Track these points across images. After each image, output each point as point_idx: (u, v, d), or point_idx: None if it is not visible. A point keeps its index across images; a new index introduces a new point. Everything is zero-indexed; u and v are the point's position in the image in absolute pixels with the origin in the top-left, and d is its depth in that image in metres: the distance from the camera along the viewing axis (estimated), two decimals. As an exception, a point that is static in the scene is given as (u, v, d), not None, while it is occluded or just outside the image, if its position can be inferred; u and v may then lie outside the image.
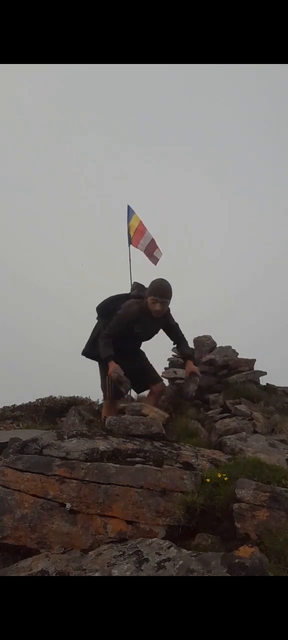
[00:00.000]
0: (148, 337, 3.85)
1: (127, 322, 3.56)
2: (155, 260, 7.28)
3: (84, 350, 3.92)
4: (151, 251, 7.26)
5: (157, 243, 7.35)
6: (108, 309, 3.78)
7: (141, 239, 7.24)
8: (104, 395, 3.84)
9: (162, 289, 3.50)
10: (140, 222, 7.34)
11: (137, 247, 7.27)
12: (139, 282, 4.17)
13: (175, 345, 4.45)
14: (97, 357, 3.74)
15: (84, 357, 3.93)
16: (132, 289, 4.16)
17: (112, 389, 3.63)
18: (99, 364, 3.82)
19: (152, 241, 7.28)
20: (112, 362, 3.40)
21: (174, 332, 3.86)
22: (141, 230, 7.29)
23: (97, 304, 3.98)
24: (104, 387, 3.78)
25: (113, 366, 3.37)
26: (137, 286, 4.08)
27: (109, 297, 3.92)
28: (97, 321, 3.95)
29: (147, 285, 3.72)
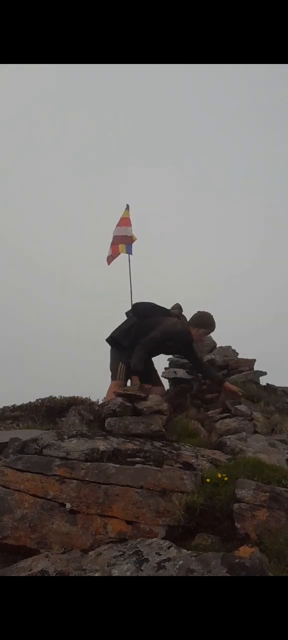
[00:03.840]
0: (170, 353, 4.27)
1: (169, 338, 3.84)
2: (115, 253, 7.15)
3: (113, 336, 4.04)
4: (120, 242, 7.13)
5: (133, 246, 7.25)
6: (147, 312, 4.06)
7: (123, 226, 7.19)
8: (114, 377, 4.00)
9: (213, 324, 3.89)
10: (128, 218, 7.32)
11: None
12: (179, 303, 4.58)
13: (195, 371, 4.76)
14: (121, 346, 3.93)
15: (110, 342, 4.08)
16: (173, 308, 4.49)
17: (123, 374, 3.88)
18: (116, 348, 4.01)
19: (129, 238, 7.19)
20: (136, 378, 3.64)
21: (198, 360, 4.21)
22: (125, 221, 7.27)
23: (136, 302, 4.34)
24: (115, 370, 3.97)
25: (136, 381, 3.60)
26: (178, 307, 4.48)
27: (151, 303, 4.18)
28: (130, 315, 4.17)
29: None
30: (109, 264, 7.30)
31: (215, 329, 3.93)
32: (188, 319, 4.08)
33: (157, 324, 3.90)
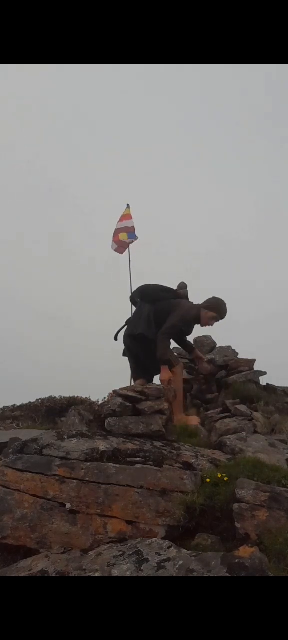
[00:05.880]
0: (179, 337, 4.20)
1: (186, 324, 3.91)
2: (125, 244, 7.35)
3: (141, 331, 3.77)
4: (121, 232, 7.34)
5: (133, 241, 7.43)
6: (157, 296, 3.96)
7: (124, 220, 7.45)
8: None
9: (225, 313, 3.93)
10: (129, 214, 7.52)
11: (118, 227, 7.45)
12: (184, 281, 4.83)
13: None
14: (148, 338, 3.75)
15: (137, 338, 3.82)
16: (180, 287, 4.50)
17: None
18: (143, 343, 3.80)
19: (130, 227, 7.39)
20: (166, 368, 3.64)
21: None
22: (126, 217, 7.49)
23: (142, 286, 4.14)
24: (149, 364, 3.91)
25: (168, 375, 3.63)
26: (184, 286, 4.57)
27: (158, 285, 4.09)
28: (139, 301, 4.01)
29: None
30: (122, 254, 7.48)
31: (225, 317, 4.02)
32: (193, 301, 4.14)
33: (170, 308, 3.82)
